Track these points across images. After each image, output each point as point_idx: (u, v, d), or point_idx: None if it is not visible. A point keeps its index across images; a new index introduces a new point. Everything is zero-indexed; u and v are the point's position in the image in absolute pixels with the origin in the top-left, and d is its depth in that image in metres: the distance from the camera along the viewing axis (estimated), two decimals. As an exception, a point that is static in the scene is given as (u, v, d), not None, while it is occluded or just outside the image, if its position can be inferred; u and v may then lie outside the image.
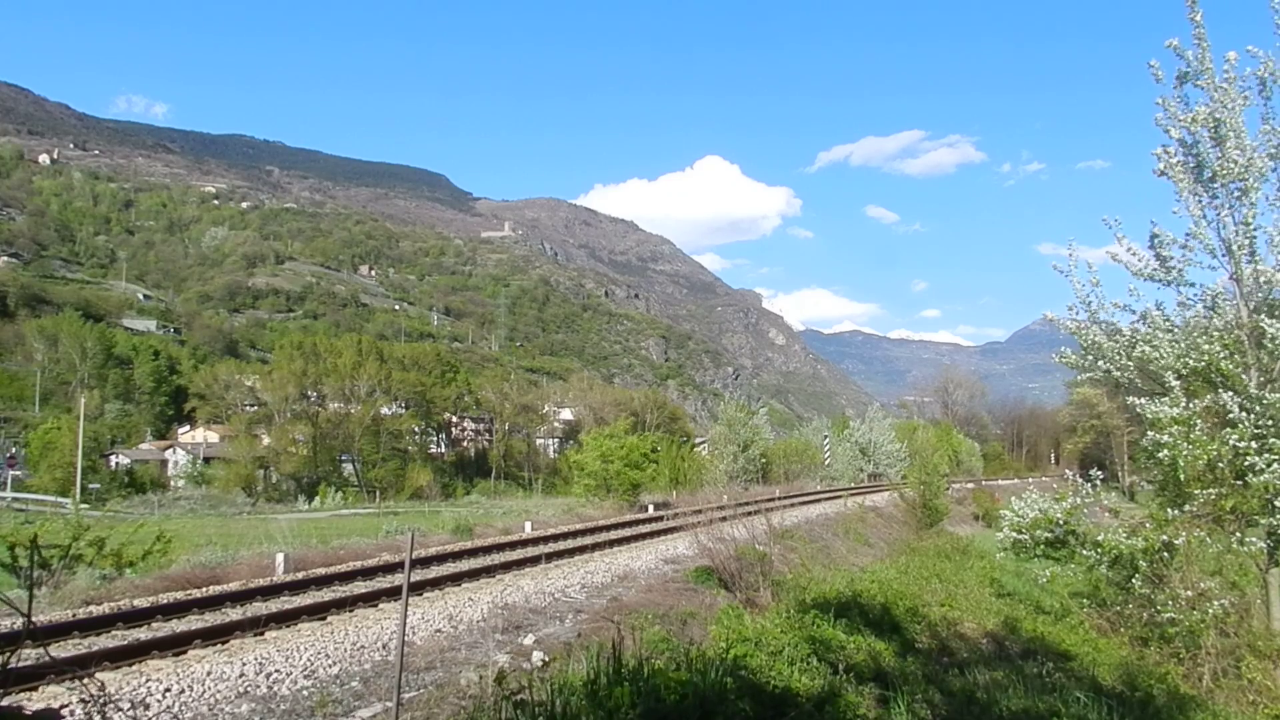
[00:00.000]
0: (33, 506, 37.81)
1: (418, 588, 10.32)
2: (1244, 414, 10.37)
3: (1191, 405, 11.01)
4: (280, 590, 10.78)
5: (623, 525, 21.34)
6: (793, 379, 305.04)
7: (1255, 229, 10.61)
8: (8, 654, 3.19)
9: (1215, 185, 10.77)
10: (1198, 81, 10.79)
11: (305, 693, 6.10)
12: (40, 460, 51.26)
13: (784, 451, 54.49)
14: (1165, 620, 11.53)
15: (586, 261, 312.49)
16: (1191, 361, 10.86)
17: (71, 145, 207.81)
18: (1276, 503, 10.14)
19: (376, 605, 9.68)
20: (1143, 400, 11.31)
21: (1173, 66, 11.16)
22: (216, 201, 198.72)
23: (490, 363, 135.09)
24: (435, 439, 74.96)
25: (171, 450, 63.90)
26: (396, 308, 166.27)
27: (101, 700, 3.78)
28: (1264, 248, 10.70)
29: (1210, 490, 10.88)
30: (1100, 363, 11.91)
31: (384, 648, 7.44)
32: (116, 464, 56.96)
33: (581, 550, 15.49)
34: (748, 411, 52.65)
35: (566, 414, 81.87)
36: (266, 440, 59.45)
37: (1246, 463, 10.15)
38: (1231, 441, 10.37)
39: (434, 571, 12.46)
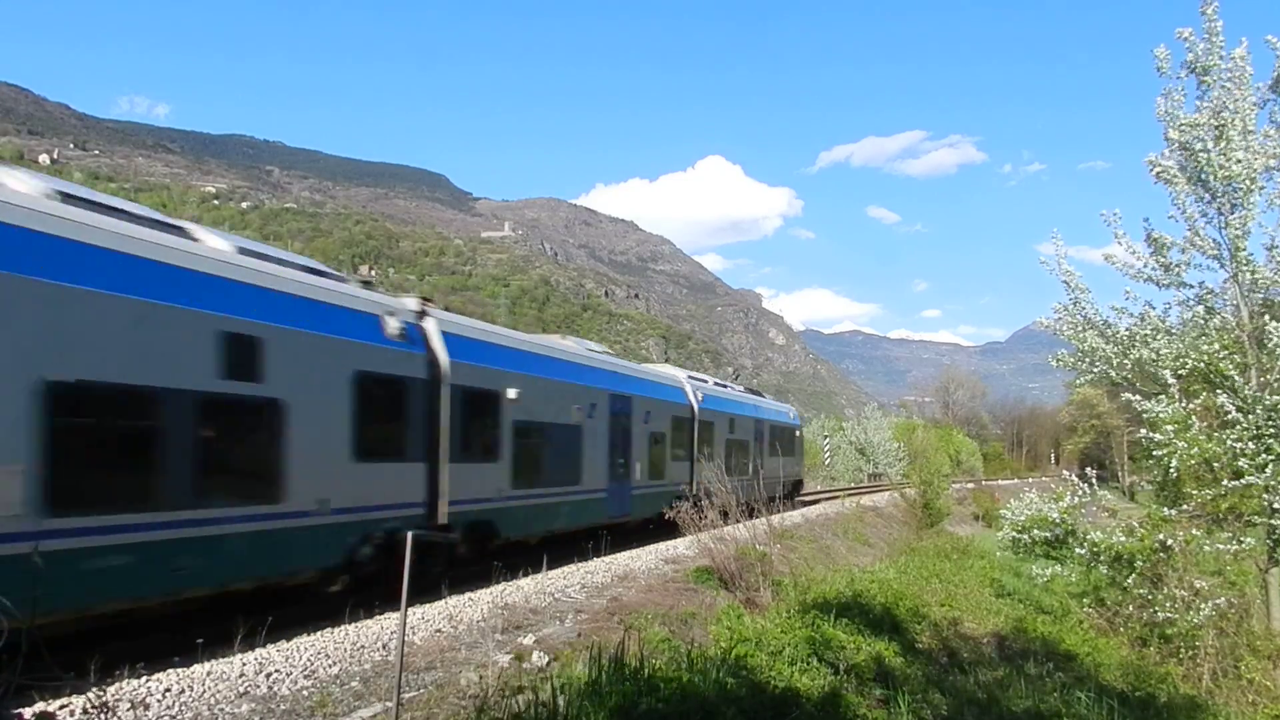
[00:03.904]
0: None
1: (417, 587, 10.29)
2: (1241, 415, 10.37)
3: (1189, 405, 11.01)
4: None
5: (623, 525, 21.29)
6: (793, 379, 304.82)
7: (1250, 231, 10.61)
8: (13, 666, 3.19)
9: (1216, 185, 10.76)
10: (1205, 78, 10.76)
11: (305, 693, 6.10)
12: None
13: (784, 451, 54.33)
14: (1163, 620, 11.55)
15: (586, 261, 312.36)
16: (1191, 362, 10.86)
17: (71, 145, 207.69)
18: (1274, 503, 10.15)
19: (376, 605, 9.68)
20: (1137, 398, 11.31)
21: (1178, 60, 11.14)
22: (216, 201, 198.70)
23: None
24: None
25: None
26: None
27: (101, 702, 3.79)
28: (1260, 250, 10.70)
29: (1208, 490, 10.90)
30: (1097, 365, 11.92)
31: (384, 648, 7.44)
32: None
33: (581, 550, 15.47)
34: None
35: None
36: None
37: (1241, 464, 10.16)
38: (1229, 442, 10.37)
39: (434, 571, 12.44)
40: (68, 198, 7.63)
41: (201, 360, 8.05)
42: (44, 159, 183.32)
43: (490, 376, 12.74)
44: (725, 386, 26.39)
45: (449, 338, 11.97)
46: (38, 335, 6.71)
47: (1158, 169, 11.11)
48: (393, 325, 10.78)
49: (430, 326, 11.77)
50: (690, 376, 22.68)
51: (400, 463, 10.83)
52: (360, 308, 10.49)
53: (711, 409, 22.08)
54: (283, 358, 8.96)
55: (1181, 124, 10.91)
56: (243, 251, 9.29)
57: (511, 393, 13.02)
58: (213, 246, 8.93)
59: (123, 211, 8.22)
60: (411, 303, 11.93)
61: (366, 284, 11.77)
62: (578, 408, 15.11)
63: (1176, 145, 11.09)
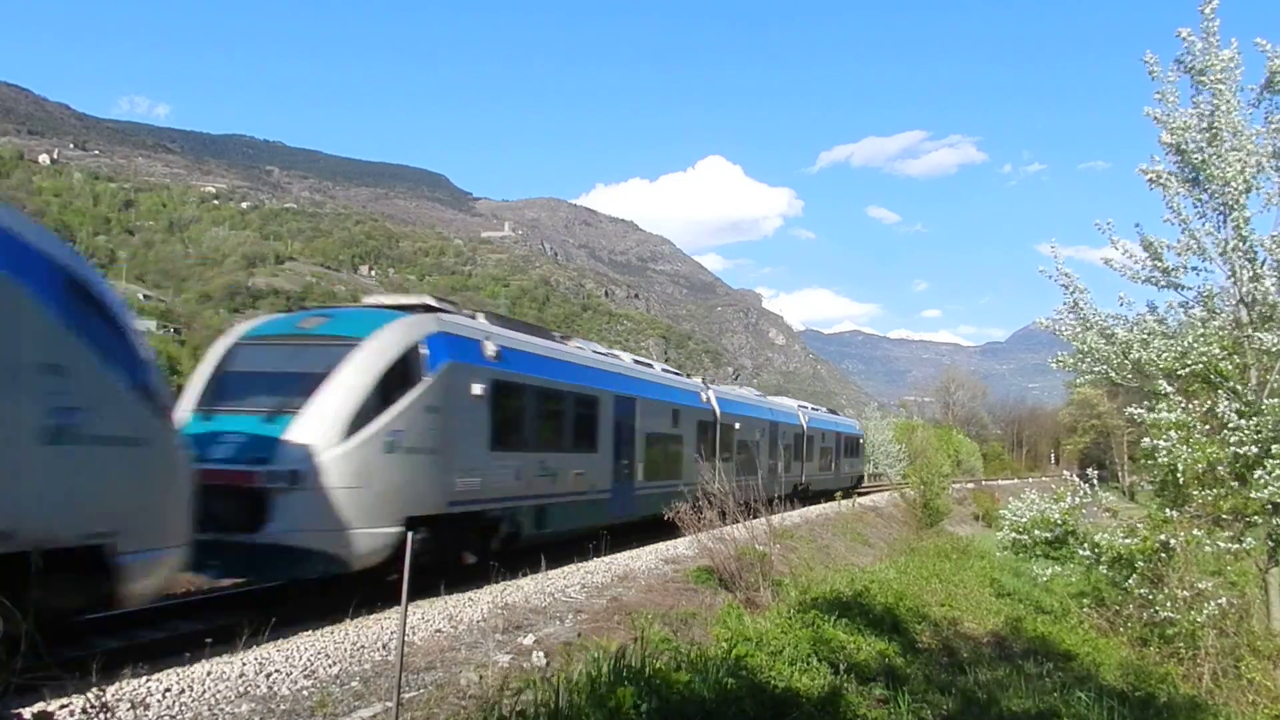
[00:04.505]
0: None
1: (417, 587, 10.29)
2: (1242, 420, 10.36)
3: (1190, 408, 11.00)
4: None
5: (622, 525, 21.30)
6: (793, 379, 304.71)
7: (1249, 231, 10.60)
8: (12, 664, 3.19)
9: (1211, 186, 10.75)
10: (1201, 77, 10.75)
11: (305, 692, 6.10)
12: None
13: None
14: (1163, 620, 11.55)
15: (586, 261, 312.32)
16: (1190, 363, 10.86)
17: (71, 145, 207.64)
18: (1275, 503, 10.14)
19: (376, 605, 9.68)
20: (1140, 409, 11.32)
21: (1167, 62, 11.13)
22: (216, 201, 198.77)
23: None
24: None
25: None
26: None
27: (101, 702, 3.79)
28: (1259, 250, 10.69)
29: (1209, 491, 10.90)
30: (1097, 366, 11.92)
31: (384, 648, 7.44)
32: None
33: (581, 550, 15.48)
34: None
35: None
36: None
37: (1255, 476, 10.13)
38: (1231, 444, 10.37)
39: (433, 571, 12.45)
40: (638, 361, 19.31)
41: (668, 420, 18.62)
42: (44, 159, 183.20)
43: (731, 418, 22.68)
44: (819, 410, 36.85)
45: (718, 399, 22.41)
46: (641, 418, 16.92)
47: (1150, 175, 11.11)
48: (703, 395, 21.52)
49: (711, 393, 22.23)
50: (800, 405, 33.15)
51: (705, 461, 19.29)
52: (694, 389, 21.35)
53: (813, 427, 31.98)
54: (682, 417, 19.36)
55: (1174, 127, 10.90)
56: (665, 370, 21.18)
57: (737, 425, 22.98)
58: (661, 369, 20.73)
59: (646, 363, 20.11)
60: (700, 380, 23.80)
61: (689, 375, 24.08)
62: (759, 431, 25.55)
63: (1170, 148, 11.08)
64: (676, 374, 21.88)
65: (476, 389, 11.18)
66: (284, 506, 8.73)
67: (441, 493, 10.45)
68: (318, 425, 9.07)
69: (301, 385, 9.39)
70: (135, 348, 6.87)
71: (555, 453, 13.77)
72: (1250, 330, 10.52)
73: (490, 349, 11.87)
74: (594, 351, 16.65)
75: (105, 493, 6.34)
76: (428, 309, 11.62)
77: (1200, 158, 10.65)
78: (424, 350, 10.34)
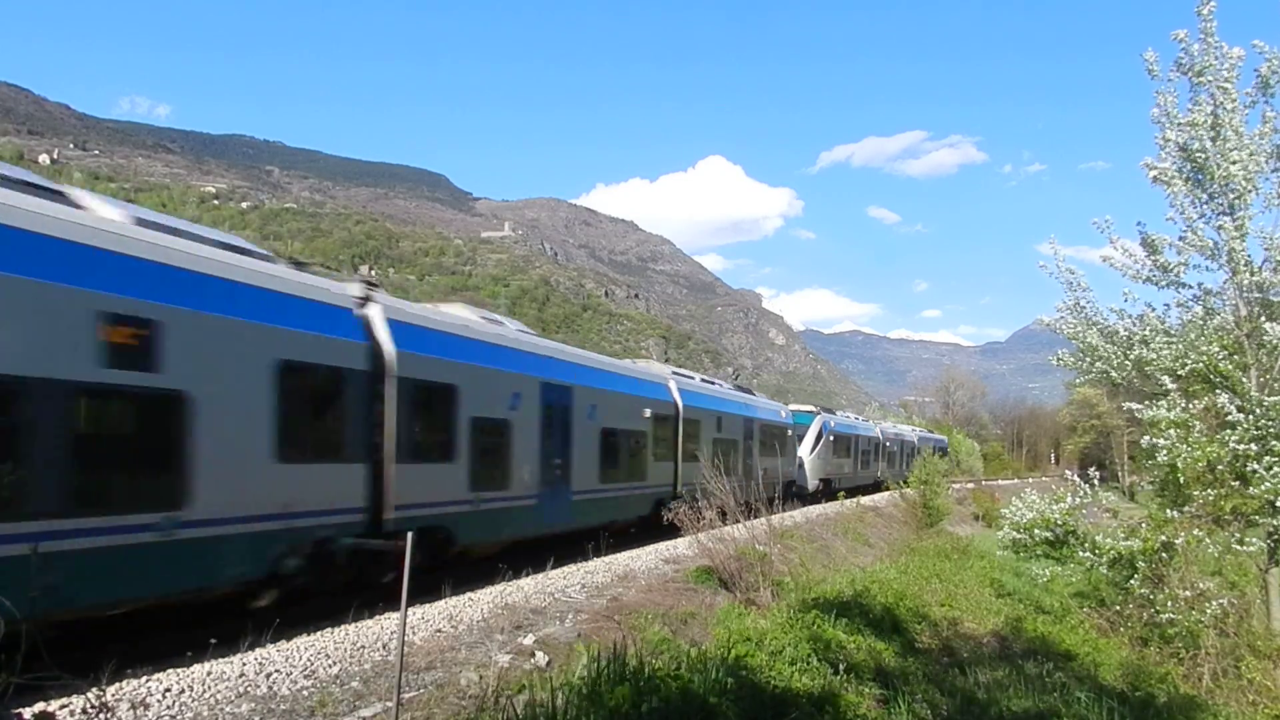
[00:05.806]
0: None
1: (417, 588, 10.29)
2: (1243, 416, 10.35)
3: (1190, 406, 10.98)
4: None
5: (623, 525, 21.28)
6: (793, 379, 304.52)
7: (1248, 231, 10.58)
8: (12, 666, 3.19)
9: (1213, 186, 10.73)
10: (1200, 78, 10.73)
11: (305, 693, 6.10)
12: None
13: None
14: (1165, 620, 11.53)
15: (586, 261, 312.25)
16: (1190, 363, 10.84)
17: (71, 145, 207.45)
18: (1277, 504, 10.13)
19: (376, 605, 9.68)
20: (1139, 405, 11.30)
21: (1170, 60, 11.10)
22: (216, 201, 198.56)
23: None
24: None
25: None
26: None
27: (101, 702, 3.79)
28: (1256, 249, 10.68)
29: (1209, 491, 10.87)
30: (1098, 365, 11.90)
31: (384, 648, 7.44)
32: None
33: (581, 550, 15.48)
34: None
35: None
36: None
37: (1249, 468, 10.12)
38: (1231, 443, 10.35)
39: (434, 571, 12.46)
40: (854, 416, 47.87)
41: (865, 444, 41.75)
42: (44, 159, 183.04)
43: (886, 438, 46.02)
44: (924, 431, 59.08)
45: (881, 430, 46.58)
46: (863, 446, 41.73)
47: (1154, 172, 11.08)
48: (877, 429, 45.46)
49: (879, 429, 46.48)
50: (913, 429, 52.33)
51: (877, 461, 43.28)
52: (872, 426, 45.68)
53: (920, 441, 50.69)
54: (872, 441, 43.54)
55: (1180, 124, 10.87)
56: (858, 418, 47.10)
57: (887, 443, 46.20)
58: (857, 418, 46.67)
59: (857, 416, 48.49)
60: (872, 422, 48.85)
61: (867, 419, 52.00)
62: (896, 446, 46.84)
63: (1173, 146, 11.05)
64: (858, 418, 44.37)
65: (832, 439, 33.91)
66: (799, 473, 30.84)
67: (825, 473, 33.06)
68: (805, 449, 32.31)
69: (802, 438, 32.12)
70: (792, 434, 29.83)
71: (846, 459, 35.05)
72: (1263, 320, 10.48)
73: (834, 423, 34.84)
74: (852, 416, 40.78)
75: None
76: (822, 410, 34.83)
77: (1204, 157, 10.63)
78: (823, 428, 33.38)
